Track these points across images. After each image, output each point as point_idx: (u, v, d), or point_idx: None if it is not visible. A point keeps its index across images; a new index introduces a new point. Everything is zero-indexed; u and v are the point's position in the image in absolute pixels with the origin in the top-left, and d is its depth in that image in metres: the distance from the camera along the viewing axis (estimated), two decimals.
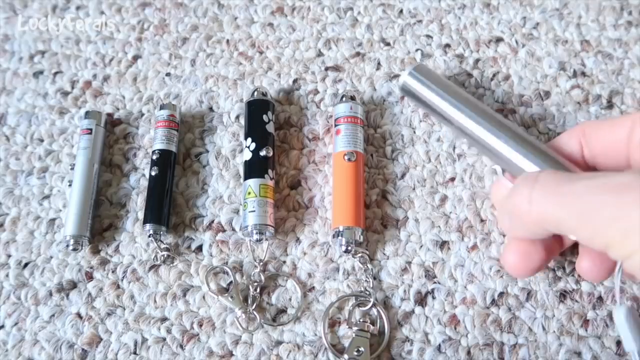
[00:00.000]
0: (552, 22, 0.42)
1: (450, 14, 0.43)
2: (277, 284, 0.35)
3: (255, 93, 0.38)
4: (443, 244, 0.35)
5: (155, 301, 0.34)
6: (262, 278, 0.34)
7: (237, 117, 0.39)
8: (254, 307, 0.34)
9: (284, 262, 0.35)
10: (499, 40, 0.41)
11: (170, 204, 0.36)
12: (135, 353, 0.33)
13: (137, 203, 0.37)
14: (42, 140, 0.40)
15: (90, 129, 0.38)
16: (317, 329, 0.33)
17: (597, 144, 0.31)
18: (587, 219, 0.25)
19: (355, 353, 0.32)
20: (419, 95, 0.36)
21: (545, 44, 0.41)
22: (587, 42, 0.41)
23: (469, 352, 0.32)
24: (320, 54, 0.42)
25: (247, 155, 0.36)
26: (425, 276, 0.34)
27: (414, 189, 0.37)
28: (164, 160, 0.37)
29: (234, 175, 0.38)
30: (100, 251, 0.36)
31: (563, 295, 0.33)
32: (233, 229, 0.36)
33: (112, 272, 0.35)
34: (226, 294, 0.34)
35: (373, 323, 0.33)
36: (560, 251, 0.32)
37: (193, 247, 0.36)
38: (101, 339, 0.34)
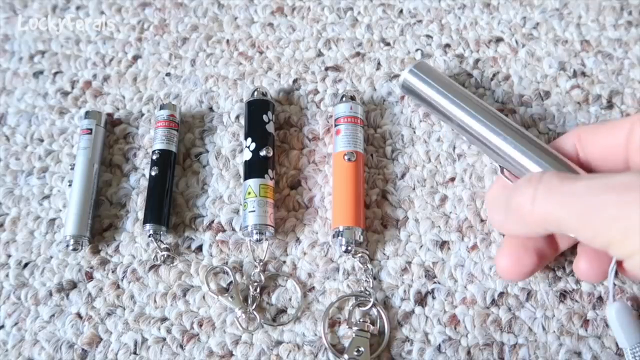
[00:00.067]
0: (552, 22, 0.42)
1: (450, 14, 0.43)
2: (277, 284, 0.35)
3: (255, 93, 0.38)
4: (443, 244, 0.35)
5: (155, 301, 0.34)
6: (262, 278, 0.34)
7: (237, 117, 0.39)
8: (254, 307, 0.34)
9: (284, 262, 0.35)
10: (499, 40, 0.41)
11: (170, 204, 0.36)
12: (135, 353, 0.33)
13: (137, 203, 0.37)
14: (42, 140, 0.40)
15: (90, 129, 0.38)
16: (317, 329, 0.33)
17: (594, 148, 0.31)
18: (588, 219, 0.25)
19: (355, 353, 0.32)
20: (419, 93, 0.36)
21: (545, 44, 0.41)
22: (587, 42, 0.41)
23: (469, 352, 0.32)
24: (320, 54, 0.42)
25: (247, 155, 0.36)
26: (425, 276, 0.34)
27: (414, 189, 0.37)
28: (164, 160, 0.37)
29: (234, 175, 0.38)
30: (100, 251, 0.36)
31: (563, 295, 0.33)
32: (233, 229, 0.36)
33: (112, 272, 0.35)
34: (226, 294, 0.34)
35: (373, 323, 0.33)
36: (553, 257, 0.33)
37: (193, 247, 0.36)
38: (101, 339, 0.34)
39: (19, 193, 0.38)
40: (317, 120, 0.39)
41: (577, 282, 0.34)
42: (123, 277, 0.35)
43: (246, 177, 0.35)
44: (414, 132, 0.38)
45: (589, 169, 0.32)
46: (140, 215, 0.36)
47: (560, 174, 0.27)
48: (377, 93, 0.40)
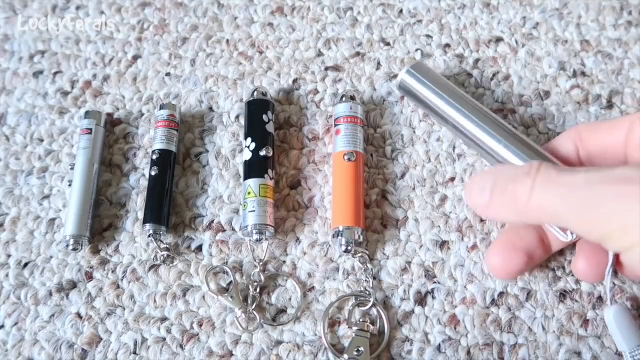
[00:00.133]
0: (552, 22, 0.42)
1: (450, 14, 0.43)
2: (277, 284, 0.35)
3: (255, 93, 0.38)
4: (443, 244, 0.35)
5: (155, 301, 0.34)
6: (262, 278, 0.34)
7: (237, 117, 0.39)
8: (254, 307, 0.34)
9: (284, 262, 0.35)
10: (499, 40, 0.41)
11: (170, 204, 0.36)
12: (135, 353, 0.33)
13: (137, 203, 0.37)
14: (42, 140, 0.40)
15: (90, 129, 0.38)
16: (317, 329, 0.33)
17: (594, 145, 0.31)
18: (586, 211, 0.25)
19: (355, 353, 0.32)
20: (416, 94, 0.36)
21: (545, 44, 0.41)
22: (587, 42, 0.41)
23: (469, 352, 0.32)
24: (320, 54, 0.42)
25: (247, 155, 0.36)
26: (425, 276, 0.34)
27: (414, 189, 0.37)
28: (164, 160, 0.37)
29: (234, 175, 0.38)
30: (100, 251, 0.36)
31: (563, 295, 0.33)
32: (233, 229, 0.36)
33: (112, 272, 0.35)
34: (226, 294, 0.34)
35: (373, 323, 0.33)
36: (544, 258, 0.33)
37: (193, 247, 0.36)
38: (101, 339, 0.34)
39: (19, 193, 0.38)
40: (317, 120, 0.39)
41: (577, 282, 0.34)
42: (123, 277, 0.35)
43: (246, 177, 0.35)
44: (414, 132, 0.38)
45: (589, 166, 0.32)
46: (140, 215, 0.36)
47: (558, 166, 0.27)
48: (377, 93, 0.40)
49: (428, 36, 0.42)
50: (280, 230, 0.36)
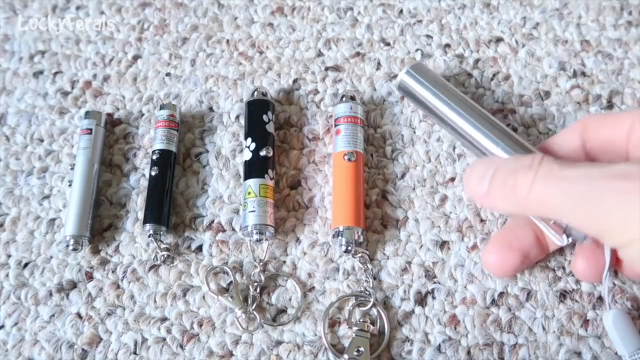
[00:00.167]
0: (552, 22, 0.42)
1: (450, 14, 0.43)
2: (277, 284, 0.35)
3: (255, 93, 0.38)
4: (443, 244, 0.35)
5: (155, 301, 0.34)
6: (262, 278, 0.34)
7: (237, 117, 0.39)
8: (254, 307, 0.34)
9: (284, 262, 0.35)
10: (499, 40, 0.41)
11: (170, 204, 0.36)
12: (135, 353, 0.33)
13: (137, 203, 0.37)
14: (42, 140, 0.40)
15: (90, 129, 0.38)
16: (317, 329, 0.33)
17: (597, 140, 0.31)
18: (585, 206, 0.25)
19: (355, 353, 0.32)
20: (414, 94, 0.36)
21: (545, 44, 0.41)
22: (587, 42, 0.41)
23: (469, 352, 0.32)
24: (320, 54, 0.42)
25: (247, 155, 0.36)
26: (425, 276, 0.34)
27: (414, 189, 0.37)
28: (164, 160, 0.37)
29: (234, 175, 0.38)
30: (100, 251, 0.36)
31: (563, 295, 0.33)
32: (233, 229, 0.36)
33: (112, 272, 0.35)
34: (226, 294, 0.34)
35: (373, 323, 0.33)
36: (540, 258, 0.33)
37: (193, 247, 0.36)
38: (101, 339, 0.34)
39: (19, 193, 0.38)
40: (317, 120, 0.39)
41: (577, 282, 0.34)
42: (123, 277, 0.35)
43: (246, 177, 0.35)
44: (414, 132, 0.38)
45: (593, 160, 0.32)
46: (140, 215, 0.36)
47: (560, 159, 0.27)
48: (377, 93, 0.40)
49: (428, 36, 0.42)
50: (280, 230, 0.36)
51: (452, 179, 0.37)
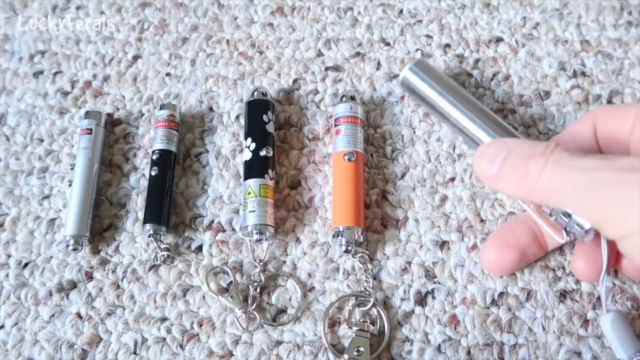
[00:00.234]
0: (552, 22, 0.42)
1: (450, 14, 0.43)
2: (277, 284, 0.35)
3: (255, 93, 0.38)
4: (443, 244, 0.35)
5: (155, 301, 0.34)
6: (262, 278, 0.34)
7: (237, 117, 0.39)
8: (254, 307, 0.34)
9: (284, 262, 0.35)
10: (499, 40, 0.41)
11: (170, 204, 0.36)
12: (135, 353, 0.33)
13: (137, 203, 0.37)
14: (42, 140, 0.40)
15: (90, 129, 0.38)
16: (317, 329, 0.33)
17: (604, 131, 0.31)
18: (588, 194, 0.25)
19: (355, 353, 0.32)
20: (417, 91, 0.36)
21: (545, 44, 0.41)
22: (587, 42, 0.41)
23: (469, 352, 0.32)
24: (320, 54, 0.42)
25: (247, 155, 0.36)
26: (425, 276, 0.34)
27: (414, 189, 0.37)
28: (164, 160, 0.37)
29: (234, 175, 0.38)
30: (100, 251, 0.36)
31: (563, 295, 0.33)
32: (233, 229, 0.36)
33: (112, 272, 0.35)
34: (226, 294, 0.34)
35: (373, 323, 0.33)
36: (538, 256, 0.33)
37: (193, 247, 0.36)
38: (101, 339, 0.34)
39: (19, 193, 0.38)
40: (317, 120, 0.39)
41: (577, 282, 0.34)
42: (123, 277, 0.35)
43: (246, 177, 0.35)
44: (414, 132, 0.38)
45: (604, 152, 0.32)
46: (140, 215, 0.36)
47: (571, 148, 0.27)
48: (377, 93, 0.40)
49: (428, 36, 0.42)
50: (280, 230, 0.36)
51: (452, 179, 0.37)
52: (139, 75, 0.42)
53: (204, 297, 0.34)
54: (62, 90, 0.42)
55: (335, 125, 0.37)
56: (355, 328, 0.33)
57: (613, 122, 0.30)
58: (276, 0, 0.44)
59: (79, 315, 0.34)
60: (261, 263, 0.35)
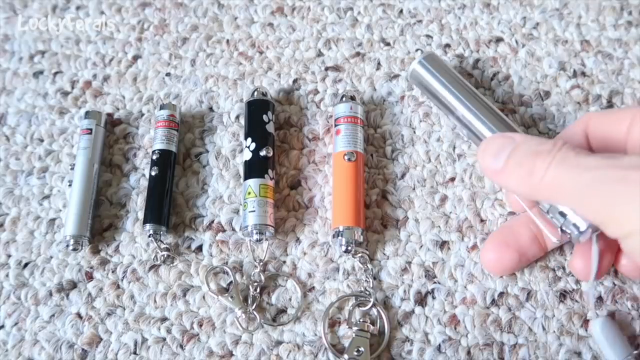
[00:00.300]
0: (552, 22, 0.42)
1: (450, 14, 0.43)
2: (277, 284, 0.35)
3: (255, 93, 0.38)
4: (443, 244, 0.35)
5: (155, 301, 0.34)
6: (262, 278, 0.34)
7: (237, 117, 0.39)
8: (254, 307, 0.34)
9: (284, 262, 0.35)
10: (499, 40, 0.41)
11: (170, 204, 0.36)
12: (135, 353, 0.33)
13: (137, 203, 0.37)
14: (42, 140, 0.40)
15: (90, 129, 0.38)
16: (317, 329, 0.33)
17: (598, 135, 0.31)
18: (590, 193, 0.25)
19: (355, 353, 0.32)
20: (426, 85, 0.36)
21: (545, 44, 0.41)
22: (587, 42, 0.41)
23: (469, 352, 0.32)
24: (320, 54, 0.42)
25: (247, 155, 0.36)
26: (425, 276, 0.34)
27: (414, 189, 0.37)
28: (164, 160, 0.37)
29: (234, 175, 0.38)
30: (100, 251, 0.36)
31: (563, 295, 0.33)
32: (233, 229, 0.36)
33: (112, 272, 0.35)
34: (226, 294, 0.34)
35: (373, 323, 0.33)
36: (537, 257, 0.33)
37: (193, 247, 0.36)
38: (101, 339, 0.34)
39: (19, 193, 0.38)
40: (317, 120, 0.39)
41: (577, 282, 0.34)
42: (123, 277, 0.35)
43: (246, 177, 0.35)
44: (414, 132, 0.38)
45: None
46: (140, 215, 0.36)
47: (578, 148, 0.27)
48: (377, 93, 0.40)
49: (428, 36, 0.42)
50: (280, 230, 0.36)
51: (452, 179, 0.37)
52: (139, 75, 0.42)
53: (204, 297, 0.34)
54: (62, 90, 0.42)
55: (335, 125, 0.37)
56: (355, 328, 0.33)
57: (607, 125, 0.30)
58: (276, 0, 0.44)
59: (79, 315, 0.34)
60: (261, 263, 0.35)
